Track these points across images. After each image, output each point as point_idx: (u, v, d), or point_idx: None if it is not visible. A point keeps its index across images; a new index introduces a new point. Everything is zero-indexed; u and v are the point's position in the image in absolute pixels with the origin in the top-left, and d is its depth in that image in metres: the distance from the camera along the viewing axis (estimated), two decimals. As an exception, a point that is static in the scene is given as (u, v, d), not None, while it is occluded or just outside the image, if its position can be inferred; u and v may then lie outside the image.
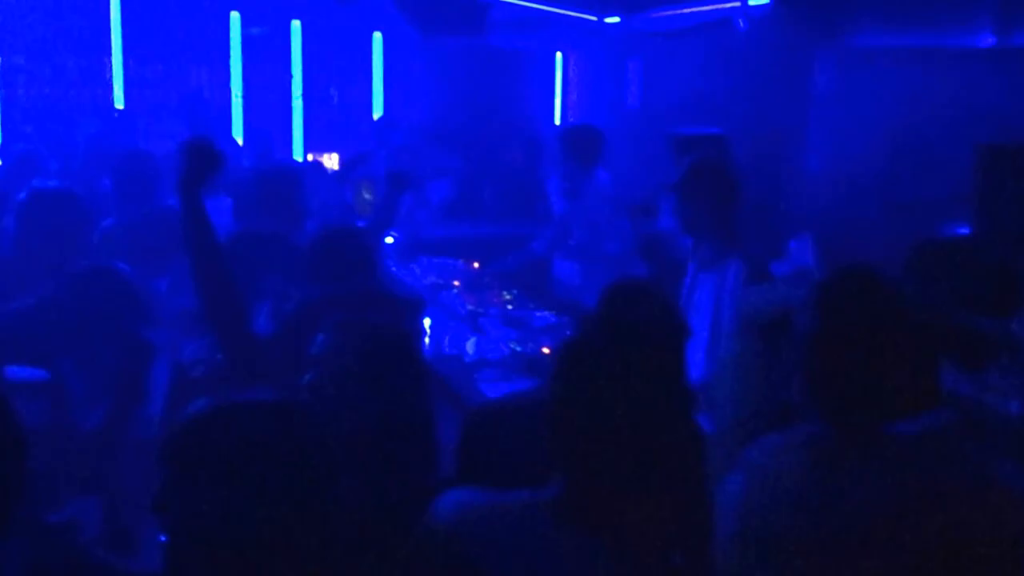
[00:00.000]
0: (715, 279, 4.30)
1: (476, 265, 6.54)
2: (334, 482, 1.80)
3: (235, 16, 9.22)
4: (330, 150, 9.43)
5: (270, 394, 1.83)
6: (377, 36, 9.56)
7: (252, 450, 1.71)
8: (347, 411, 2.38)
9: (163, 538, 1.73)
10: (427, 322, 4.95)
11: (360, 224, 5.10)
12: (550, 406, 1.85)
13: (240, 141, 8.46)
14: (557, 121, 8.92)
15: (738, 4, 5.47)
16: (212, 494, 1.67)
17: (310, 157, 9.34)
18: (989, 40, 4.63)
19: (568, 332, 3.08)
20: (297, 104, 9.52)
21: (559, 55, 8.95)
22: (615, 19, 6.94)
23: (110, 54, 8.88)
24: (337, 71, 9.68)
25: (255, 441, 1.72)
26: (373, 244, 4.42)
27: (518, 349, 4.81)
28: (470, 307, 5.57)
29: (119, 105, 8.88)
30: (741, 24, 5.53)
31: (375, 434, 2.39)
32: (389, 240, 6.63)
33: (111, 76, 8.89)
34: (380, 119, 8.56)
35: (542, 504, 1.84)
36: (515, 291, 5.97)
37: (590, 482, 1.80)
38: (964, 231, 4.68)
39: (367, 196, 7.29)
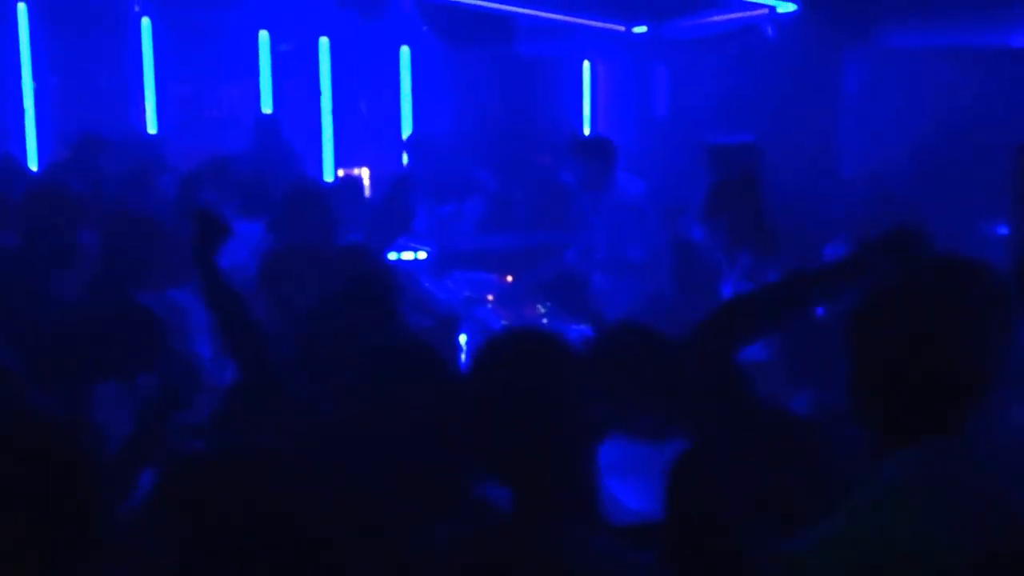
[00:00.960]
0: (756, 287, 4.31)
1: (510, 278, 6.52)
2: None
3: (264, 34, 9.29)
4: (360, 164, 9.47)
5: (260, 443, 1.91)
6: (404, 50, 9.60)
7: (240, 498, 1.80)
8: (379, 436, 2.39)
9: None
10: (463, 338, 4.95)
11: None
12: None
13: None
14: (586, 129, 8.91)
15: (765, 11, 5.45)
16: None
17: (340, 172, 9.37)
18: (1020, 39, 4.58)
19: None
20: (327, 119, 9.57)
21: (587, 63, 8.94)
22: (642, 28, 6.93)
23: (142, 74, 8.96)
24: (366, 86, 9.72)
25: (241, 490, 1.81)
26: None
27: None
28: (505, 322, 5.56)
29: (151, 126, 8.96)
30: (770, 31, 5.51)
31: (409, 457, 2.39)
32: (422, 255, 6.65)
33: (143, 96, 8.98)
34: (411, 137, 8.57)
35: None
36: (549, 304, 5.96)
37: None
38: (1003, 231, 4.64)
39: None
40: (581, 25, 7.48)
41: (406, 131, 9.35)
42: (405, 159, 7.99)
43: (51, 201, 4.40)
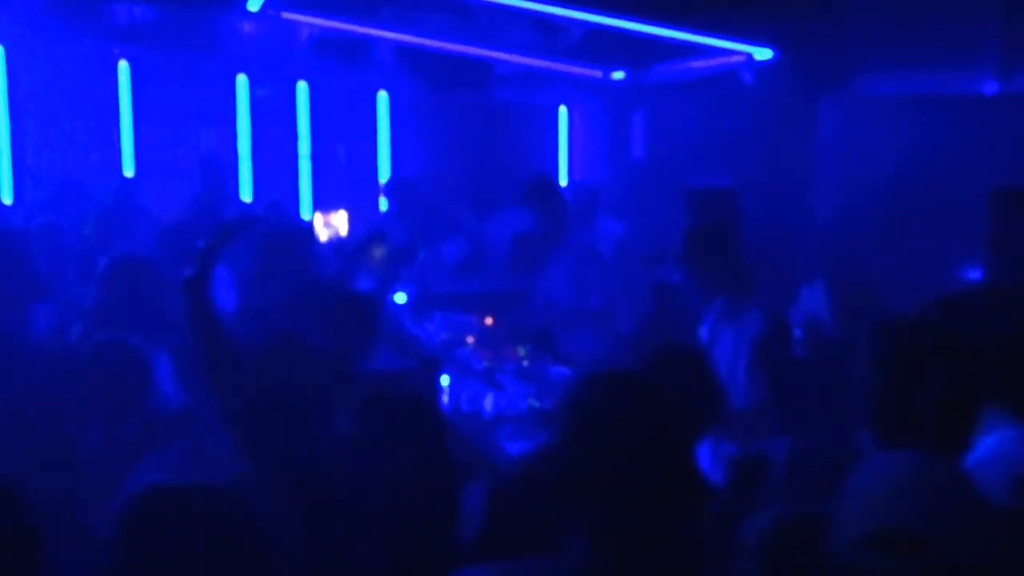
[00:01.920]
0: (735, 330, 4.35)
1: (489, 321, 6.54)
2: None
3: (242, 79, 9.33)
4: (338, 208, 9.48)
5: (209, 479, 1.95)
6: (382, 95, 9.66)
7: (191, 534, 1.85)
8: (365, 476, 2.40)
9: None
10: (444, 380, 4.96)
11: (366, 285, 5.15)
12: (559, 467, 1.86)
13: (249, 201, 8.53)
14: (563, 173, 8.99)
15: (743, 58, 5.54)
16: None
17: (318, 215, 9.38)
18: (992, 87, 4.69)
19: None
20: (304, 164, 9.60)
21: (563, 108, 9.04)
22: (620, 74, 7.01)
23: (119, 119, 8.97)
24: (343, 130, 9.76)
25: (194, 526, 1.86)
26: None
27: (536, 404, 4.80)
28: (486, 363, 5.57)
29: (128, 170, 8.95)
30: (747, 77, 5.60)
31: (395, 499, 2.39)
32: (401, 298, 6.66)
33: (120, 141, 8.98)
34: (389, 181, 8.61)
35: (560, 570, 1.83)
36: (529, 346, 5.97)
37: (611, 542, 1.80)
38: (976, 276, 4.71)
39: (377, 255, 7.30)
40: (559, 71, 7.56)
41: (383, 175, 9.39)
42: (383, 204, 8.03)
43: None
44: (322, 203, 9.53)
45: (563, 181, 8.92)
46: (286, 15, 6.17)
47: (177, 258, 5.06)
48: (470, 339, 6.15)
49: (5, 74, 8.47)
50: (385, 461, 2.42)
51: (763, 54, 5.49)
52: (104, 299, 4.09)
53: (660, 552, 1.81)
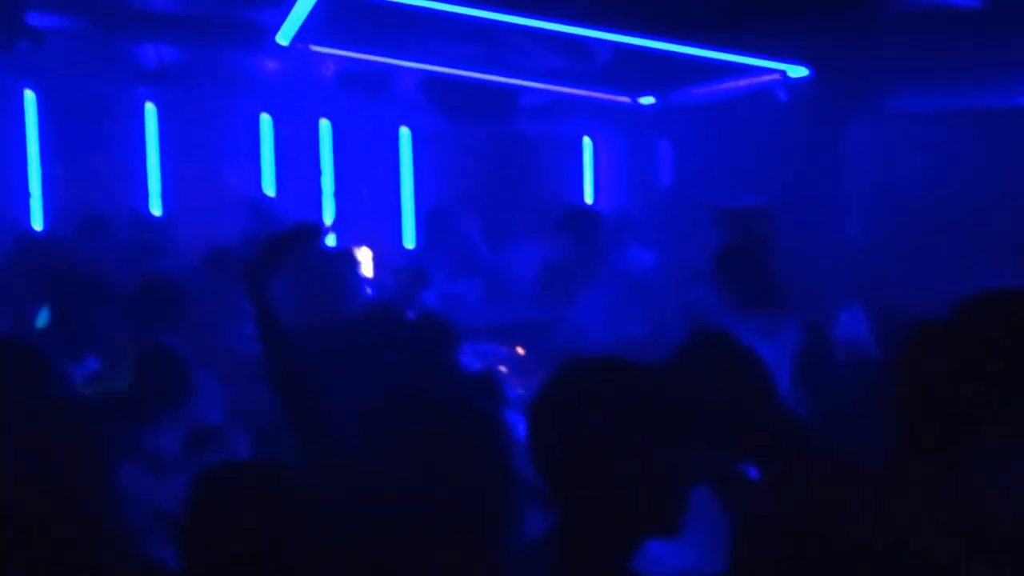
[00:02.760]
0: (772, 349, 4.29)
1: (520, 350, 6.51)
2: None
3: (265, 117, 9.40)
4: (361, 244, 9.50)
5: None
6: (404, 131, 9.71)
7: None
8: (422, 498, 2.36)
9: None
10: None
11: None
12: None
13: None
14: (588, 203, 8.99)
15: (776, 76, 5.53)
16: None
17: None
18: (1030, 99, 4.66)
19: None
20: (328, 200, 9.63)
21: (587, 139, 9.07)
22: (649, 99, 7.02)
23: (146, 158, 9.03)
24: (366, 167, 9.80)
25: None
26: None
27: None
28: (520, 391, 5.54)
29: (156, 209, 9.00)
30: (781, 96, 5.58)
31: (452, 520, 2.36)
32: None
33: (147, 180, 9.04)
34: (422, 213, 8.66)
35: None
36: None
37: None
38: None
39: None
40: (582, 99, 7.57)
41: (407, 211, 9.43)
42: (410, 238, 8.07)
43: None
44: (345, 240, 9.54)
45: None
46: (314, 48, 6.20)
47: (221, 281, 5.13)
48: (502, 368, 6.12)
49: (36, 116, 8.56)
50: (443, 477, 2.38)
51: (797, 72, 5.48)
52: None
53: None
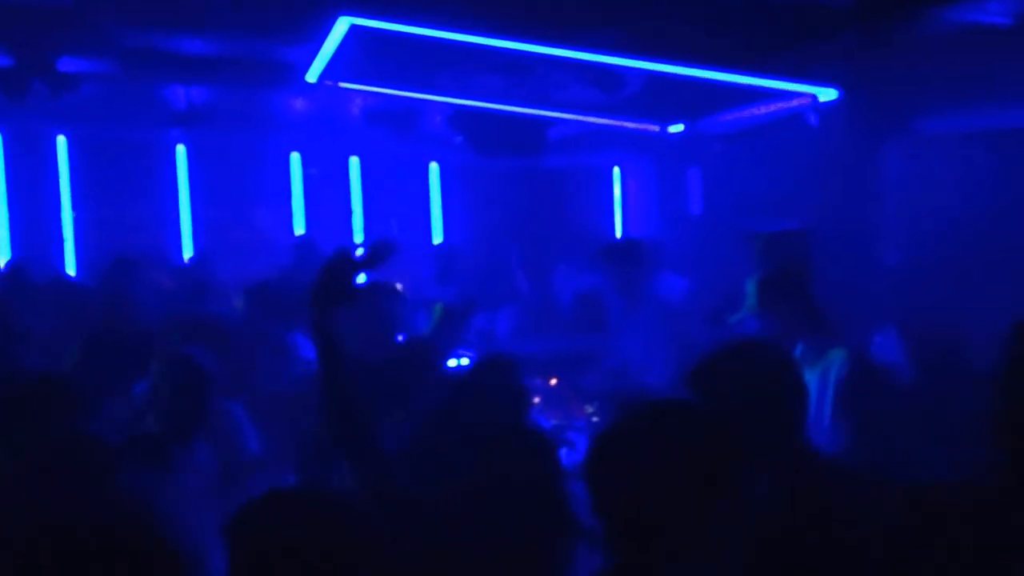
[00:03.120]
0: (819, 374, 4.24)
1: (554, 381, 6.48)
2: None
3: (295, 157, 9.46)
4: (391, 279, 9.50)
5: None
6: (433, 166, 9.75)
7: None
8: (477, 527, 2.34)
9: None
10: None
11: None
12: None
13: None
14: (618, 234, 8.98)
15: (806, 100, 5.50)
16: None
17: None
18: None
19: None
20: (358, 237, 9.66)
21: (617, 170, 9.07)
22: (679, 127, 7.01)
23: (178, 200, 9.11)
24: (396, 202, 9.84)
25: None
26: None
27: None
28: (555, 421, 5.51)
29: (187, 251, 9.07)
30: (812, 119, 5.55)
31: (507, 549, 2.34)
32: (464, 362, 6.63)
33: (180, 222, 9.11)
34: (437, 248, 8.68)
35: None
36: (596, 403, 5.90)
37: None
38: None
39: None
40: (612, 132, 7.57)
41: (436, 245, 9.45)
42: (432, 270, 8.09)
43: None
44: (375, 276, 9.55)
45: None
46: (343, 85, 6.24)
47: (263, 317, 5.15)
48: (536, 399, 6.09)
49: (68, 161, 8.66)
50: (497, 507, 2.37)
51: (827, 95, 5.45)
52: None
53: None
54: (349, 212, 9.66)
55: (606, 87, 5.52)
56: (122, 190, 8.86)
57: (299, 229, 9.47)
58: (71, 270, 8.64)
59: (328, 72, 5.72)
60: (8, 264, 7.54)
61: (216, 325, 4.62)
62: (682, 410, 2.12)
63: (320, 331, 2.80)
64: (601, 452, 2.06)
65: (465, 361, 6.64)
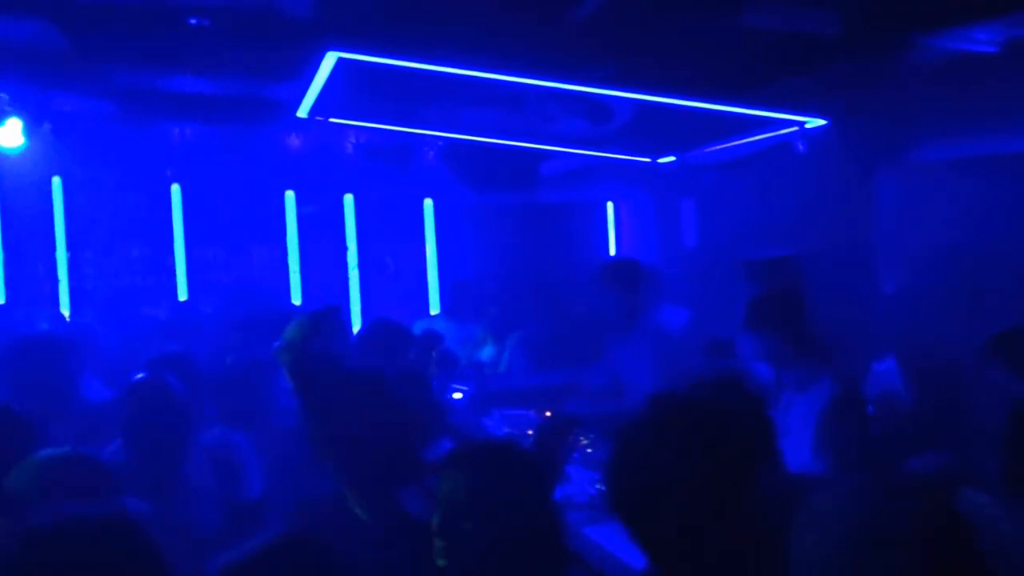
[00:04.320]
0: (808, 401, 4.21)
1: (548, 414, 6.45)
2: None
3: (290, 195, 9.47)
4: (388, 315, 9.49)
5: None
6: (428, 202, 9.77)
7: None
8: (466, 543, 2.32)
9: None
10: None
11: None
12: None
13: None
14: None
15: (795, 128, 5.52)
16: None
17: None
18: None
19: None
20: (354, 275, 9.66)
21: (610, 204, 9.09)
22: (670, 158, 7.02)
23: (172, 241, 9.11)
24: (391, 239, 9.84)
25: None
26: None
27: (604, 489, 4.69)
28: (549, 454, 5.46)
29: (182, 293, 9.05)
30: (800, 147, 5.56)
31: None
32: (458, 396, 6.61)
33: (175, 263, 9.10)
34: (451, 284, 8.69)
35: None
36: (592, 435, 5.87)
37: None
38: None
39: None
40: (605, 166, 7.59)
41: (432, 282, 9.45)
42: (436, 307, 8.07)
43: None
44: (371, 313, 9.56)
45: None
46: (335, 120, 6.26)
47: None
48: (531, 432, 6.06)
49: (63, 201, 8.66)
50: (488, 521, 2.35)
51: (817, 124, 5.47)
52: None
53: None
54: (344, 249, 9.65)
55: (596, 119, 5.54)
56: (116, 232, 8.87)
57: (293, 267, 9.46)
58: (65, 311, 8.61)
59: (318, 107, 5.74)
60: None
61: (189, 359, 4.60)
62: (706, 405, 2.09)
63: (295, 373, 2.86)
64: (622, 447, 2.04)
65: (459, 395, 6.63)
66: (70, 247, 8.75)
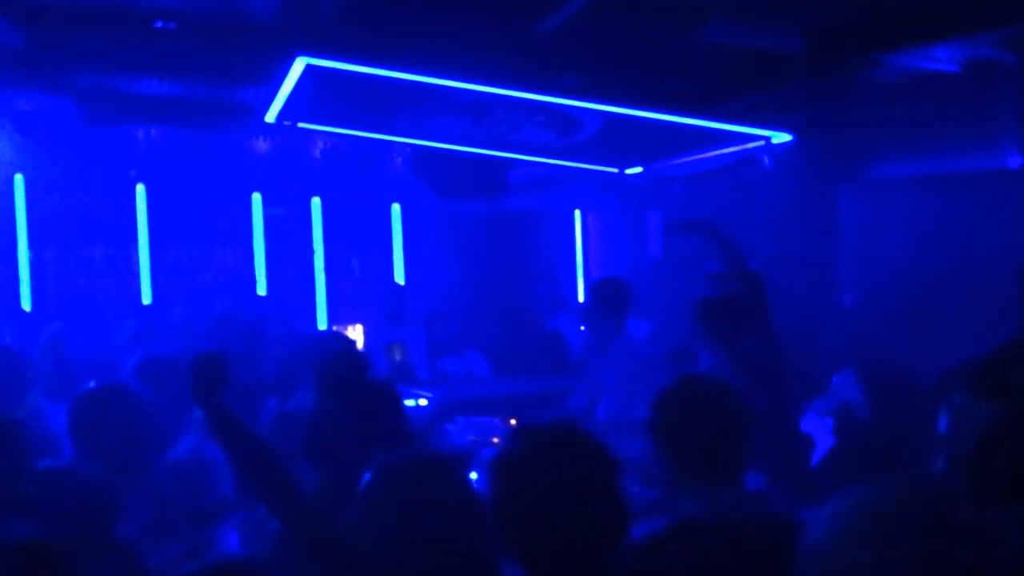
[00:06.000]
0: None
1: (513, 422, 6.46)
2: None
3: (256, 197, 9.42)
4: (354, 322, 9.48)
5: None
6: (395, 207, 9.75)
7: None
8: (396, 556, 2.32)
9: None
10: (473, 476, 4.87)
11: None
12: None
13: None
14: (579, 276, 9.01)
15: (761, 143, 5.57)
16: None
17: (334, 328, 9.38)
18: (1016, 160, 4.68)
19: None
20: (320, 278, 9.63)
21: (578, 212, 9.12)
22: (637, 169, 7.06)
23: (137, 243, 9.03)
24: (358, 243, 9.82)
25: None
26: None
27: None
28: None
29: (146, 297, 8.98)
30: (766, 162, 5.61)
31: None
32: (423, 403, 6.61)
33: (138, 265, 9.03)
34: (396, 287, 8.67)
35: None
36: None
37: None
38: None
39: (398, 358, 7.33)
40: (572, 174, 7.61)
41: (399, 286, 9.43)
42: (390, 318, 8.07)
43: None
44: (337, 316, 9.53)
45: (580, 283, 8.95)
46: (303, 126, 6.24)
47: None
48: (495, 440, 6.07)
49: (25, 200, 8.57)
50: (417, 534, 2.35)
51: (782, 139, 5.52)
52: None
53: None
54: (311, 252, 9.61)
55: (563, 130, 5.56)
56: (80, 233, 8.78)
57: (260, 270, 9.41)
58: (27, 308, 8.52)
59: (286, 112, 5.73)
60: None
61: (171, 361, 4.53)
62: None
63: (213, 417, 2.84)
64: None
65: (424, 402, 6.63)
66: (32, 246, 8.66)
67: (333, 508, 2.84)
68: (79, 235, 8.76)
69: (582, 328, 6.29)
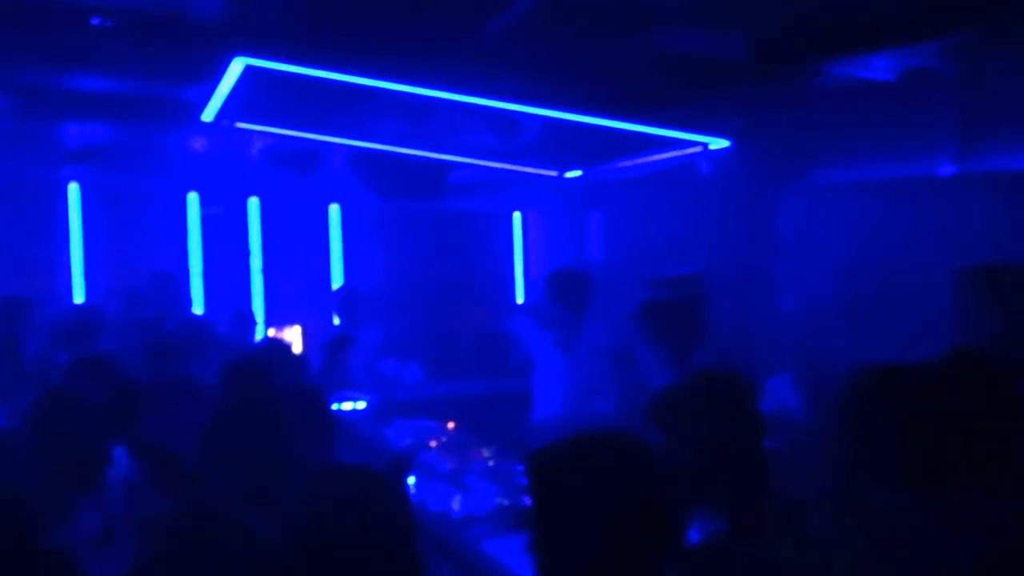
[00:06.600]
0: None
1: (451, 425, 6.45)
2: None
3: (193, 197, 9.30)
4: (292, 323, 9.40)
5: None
6: (334, 208, 9.69)
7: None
8: (327, 565, 2.30)
9: None
10: (411, 480, 4.86)
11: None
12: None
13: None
14: (519, 278, 9.03)
15: (699, 149, 5.61)
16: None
17: (272, 331, 9.29)
18: (949, 168, 4.78)
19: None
20: (257, 279, 9.53)
21: (517, 214, 9.13)
22: (576, 172, 7.09)
23: (69, 242, 8.87)
24: (296, 245, 9.74)
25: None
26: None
27: (505, 503, 4.73)
28: (451, 465, 5.47)
29: (79, 295, 8.82)
30: (704, 167, 5.66)
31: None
32: (361, 405, 6.57)
33: (71, 264, 8.87)
34: (340, 289, 8.60)
35: None
36: (494, 447, 5.88)
37: None
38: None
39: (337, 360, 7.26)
40: (513, 176, 7.61)
41: (336, 286, 9.36)
42: (336, 319, 8.00)
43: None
44: (275, 318, 9.44)
45: (520, 285, 8.96)
46: (240, 125, 6.17)
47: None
48: (433, 443, 6.05)
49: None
50: (347, 543, 2.33)
51: (719, 144, 5.57)
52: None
53: None
54: (248, 253, 9.51)
55: (504, 133, 5.55)
56: (12, 229, 8.60)
57: (195, 270, 9.30)
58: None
59: (224, 112, 5.65)
60: None
61: (111, 362, 4.46)
62: (627, 442, 2.12)
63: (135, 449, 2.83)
64: (541, 480, 2.10)
65: (362, 405, 6.59)
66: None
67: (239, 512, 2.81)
68: (11, 233, 8.58)
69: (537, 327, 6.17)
